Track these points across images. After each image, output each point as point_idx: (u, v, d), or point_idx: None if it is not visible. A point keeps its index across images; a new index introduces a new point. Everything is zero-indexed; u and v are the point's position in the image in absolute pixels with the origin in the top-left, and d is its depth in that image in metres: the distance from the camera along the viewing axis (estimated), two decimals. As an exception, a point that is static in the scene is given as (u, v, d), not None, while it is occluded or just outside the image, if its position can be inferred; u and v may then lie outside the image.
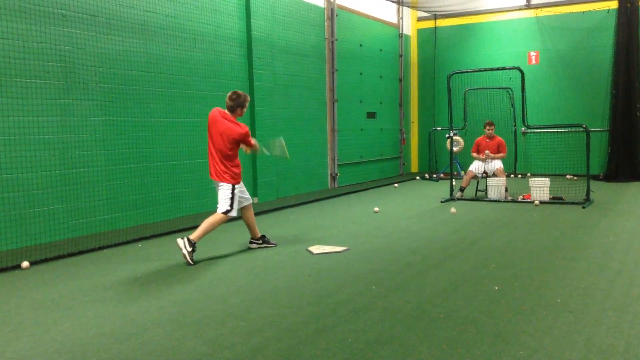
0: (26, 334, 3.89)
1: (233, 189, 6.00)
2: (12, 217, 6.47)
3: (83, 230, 7.20)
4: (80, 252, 6.33)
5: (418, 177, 14.19)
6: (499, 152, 10.24)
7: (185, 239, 5.78)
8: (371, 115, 13.75)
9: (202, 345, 3.61)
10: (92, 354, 3.50)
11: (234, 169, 6.03)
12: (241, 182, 6.19)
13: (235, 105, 5.98)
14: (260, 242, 6.48)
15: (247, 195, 6.36)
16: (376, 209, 9.03)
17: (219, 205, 6.04)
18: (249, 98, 6.08)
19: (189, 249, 5.73)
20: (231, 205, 5.99)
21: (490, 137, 10.33)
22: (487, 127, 10.31)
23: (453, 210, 8.77)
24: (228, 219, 6.10)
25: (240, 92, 6.05)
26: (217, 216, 5.97)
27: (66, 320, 4.13)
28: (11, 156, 6.45)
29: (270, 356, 3.42)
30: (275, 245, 6.51)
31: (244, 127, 5.99)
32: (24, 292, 4.91)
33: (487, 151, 10.14)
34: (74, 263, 5.93)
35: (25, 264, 5.74)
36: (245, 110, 6.09)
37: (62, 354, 3.52)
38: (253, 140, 6.11)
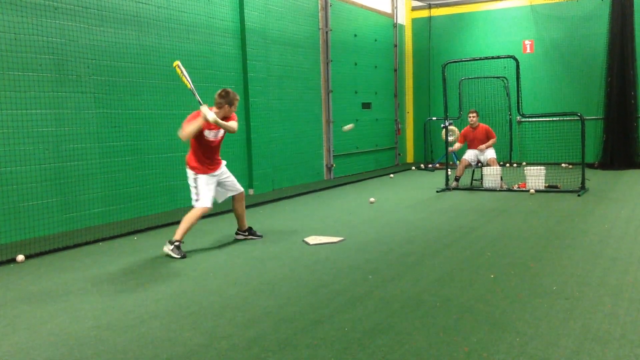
0: (22, 327, 3.88)
1: (195, 179, 5.87)
2: (7, 211, 6.44)
3: (78, 223, 7.18)
4: (76, 245, 6.31)
5: (413, 167, 14.19)
6: (488, 139, 10.22)
7: (166, 241, 5.83)
8: (366, 105, 13.73)
9: (199, 336, 3.61)
10: (89, 347, 3.50)
11: (188, 159, 5.91)
12: (218, 170, 6.00)
13: (224, 102, 5.82)
14: (247, 233, 6.45)
15: (231, 183, 6.15)
16: (372, 199, 9.03)
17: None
18: (238, 97, 5.89)
19: (170, 247, 5.70)
20: (197, 195, 5.87)
21: (474, 126, 10.29)
22: (470, 115, 10.24)
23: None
24: (205, 211, 5.88)
25: (229, 90, 5.88)
26: (192, 211, 5.87)
27: (62, 313, 4.13)
28: (4, 150, 6.41)
29: (268, 346, 3.42)
30: (262, 237, 6.45)
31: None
32: (20, 285, 4.90)
33: (480, 147, 10.17)
34: (69, 256, 5.91)
35: (20, 257, 5.72)
36: (234, 108, 5.89)
37: (59, 347, 3.51)
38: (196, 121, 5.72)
